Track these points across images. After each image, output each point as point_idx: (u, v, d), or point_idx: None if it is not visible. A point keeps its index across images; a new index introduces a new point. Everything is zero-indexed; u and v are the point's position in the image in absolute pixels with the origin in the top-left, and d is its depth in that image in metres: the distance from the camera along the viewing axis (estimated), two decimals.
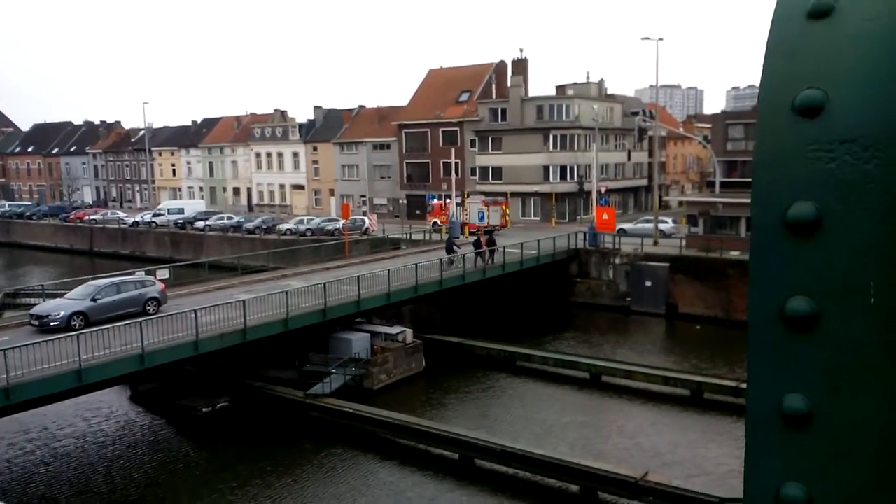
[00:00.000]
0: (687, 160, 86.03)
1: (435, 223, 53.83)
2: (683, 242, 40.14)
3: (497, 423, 24.01)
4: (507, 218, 55.13)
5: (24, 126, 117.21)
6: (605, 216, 42.62)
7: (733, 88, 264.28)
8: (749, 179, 1.09)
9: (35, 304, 26.47)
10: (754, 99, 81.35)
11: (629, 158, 65.04)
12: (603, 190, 56.17)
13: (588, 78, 69.30)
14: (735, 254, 35.97)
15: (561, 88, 69.46)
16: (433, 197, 61.19)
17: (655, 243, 42.77)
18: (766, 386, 1.08)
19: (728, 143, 60.54)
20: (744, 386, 2.48)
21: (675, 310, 37.67)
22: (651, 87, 64.19)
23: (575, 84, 69.22)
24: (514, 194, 62.82)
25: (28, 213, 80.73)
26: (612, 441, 22.60)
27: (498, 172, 64.42)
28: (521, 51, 69.73)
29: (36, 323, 23.51)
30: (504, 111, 64.34)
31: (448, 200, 57.88)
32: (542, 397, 27.14)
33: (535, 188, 62.38)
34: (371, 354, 27.78)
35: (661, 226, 52.72)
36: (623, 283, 39.87)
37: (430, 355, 29.83)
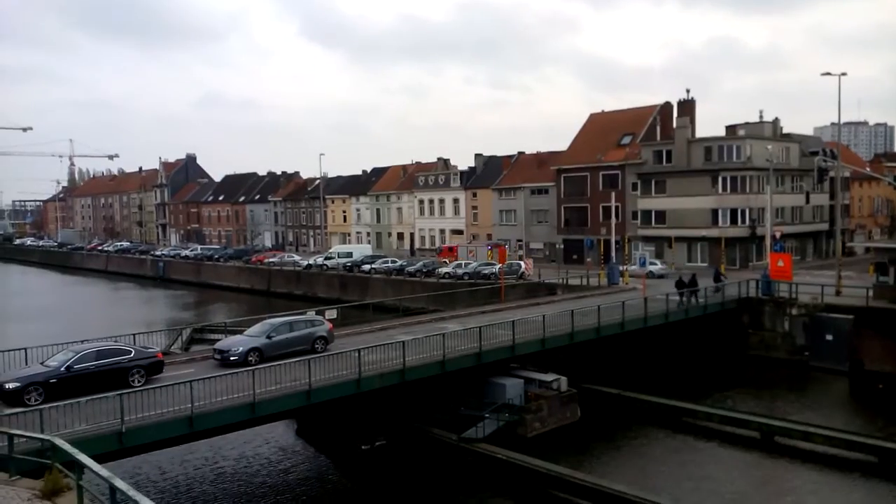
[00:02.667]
0: (874, 203, 78.60)
1: (444, 261, 63.39)
2: (870, 293, 36.42)
3: (658, 481, 22.71)
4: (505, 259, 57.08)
5: (217, 177, 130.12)
6: (780, 263, 39.77)
7: None
8: None
9: (218, 340, 28.81)
10: None
11: (808, 201, 60.35)
12: (778, 235, 52.43)
13: (761, 117, 65.77)
14: None
15: (731, 129, 66.40)
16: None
17: (838, 293, 39.22)
18: None
19: None
20: None
21: (861, 367, 34.09)
22: (833, 124, 59.74)
23: (747, 124, 65.92)
24: (678, 239, 60.40)
25: (216, 256, 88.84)
26: None
27: (661, 216, 62.34)
28: (688, 91, 67.20)
29: (218, 357, 25.55)
30: (669, 153, 62.45)
31: (456, 245, 72.05)
32: (707, 457, 25.42)
33: (703, 232, 59.58)
34: (525, 401, 27.48)
35: (651, 267, 50.13)
36: (800, 335, 36.77)
37: (585, 405, 28.99)
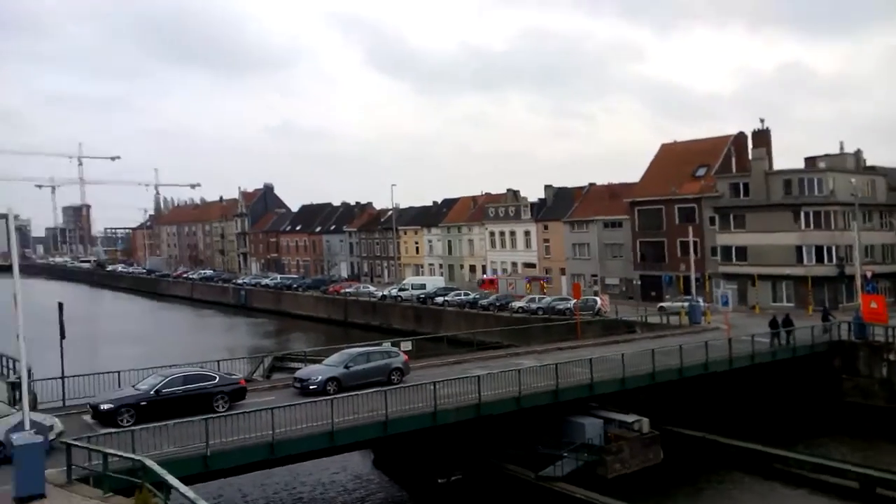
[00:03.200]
0: None
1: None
2: None
3: None
4: (545, 290, 66.20)
5: (293, 206, 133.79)
6: (873, 304, 37.71)
7: None
8: None
9: (298, 368, 29.31)
10: None
11: None
12: (869, 275, 49.91)
13: (842, 148, 63.09)
14: None
15: (811, 160, 63.91)
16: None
17: None
18: None
19: None
20: None
21: None
22: None
23: (827, 156, 63.32)
24: (762, 277, 58.19)
25: (295, 285, 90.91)
26: None
27: (742, 252, 60.24)
28: (762, 121, 65.20)
29: (298, 385, 25.99)
30: (746, 186, 60.43)
31: (497, 276, 76.20)
32: None
33: (787, 271, 57.19)
34: (605, 442, 26.75)
35: (679, 304, 47.66)
36: None
37: (668, 448, 27.96)
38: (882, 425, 33.06)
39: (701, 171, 66.26)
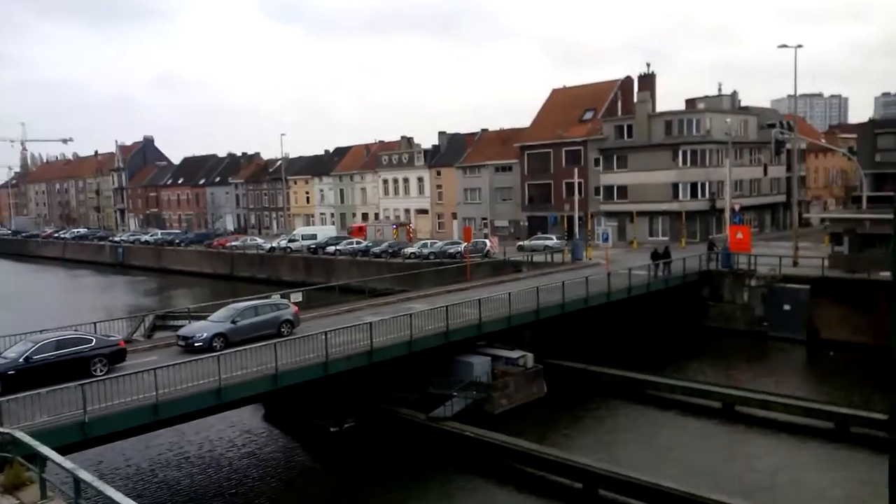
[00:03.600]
0: (830, 174, 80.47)
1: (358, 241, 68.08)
2: (826, 262, 37.42)
3: (622, 453, 23.23)
4: (411, 235, 72.12)
5: (175, 160, 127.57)
6: (739, 235, 40.52)
7: (883, 95, 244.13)
8: None
9: (181, 326, 28.45)
10: None
11: (765, 174, 61.63)
12: (737, 207, 53.35)
13: (720, 90, 66.66)
14: (885, 274, 33.05)
15: (691, 102, 67.17)
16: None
17: (795, 264, 40.19)
18: None
19: (877, 154, 56.02)
20: None
21: (817, 336, 35.14)
22: (789, 97, 60.87)
23: (706, 97, 66.70)
24: (640, 213, 61.20)
25: (177, 241, 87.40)
26: (747, 477, 21.25)
27: (623, 191, 63.03)
28: (648, 66, 68.43)
29: (182, 344, 25.26)
30: (630, 128, 62.94)
31: (364, 223, 78.21)
32: (670, 427, 26.05)
33: (664, 206, 60.44)
34: (492, 379, 27.77)
35: (546, 242, 53.01)
36: (759, 307, 37.69)
37: (551, 381, 29.41)
38: (742, 347, 36.08)
39: (588, 115, 68.21)
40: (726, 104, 65.86)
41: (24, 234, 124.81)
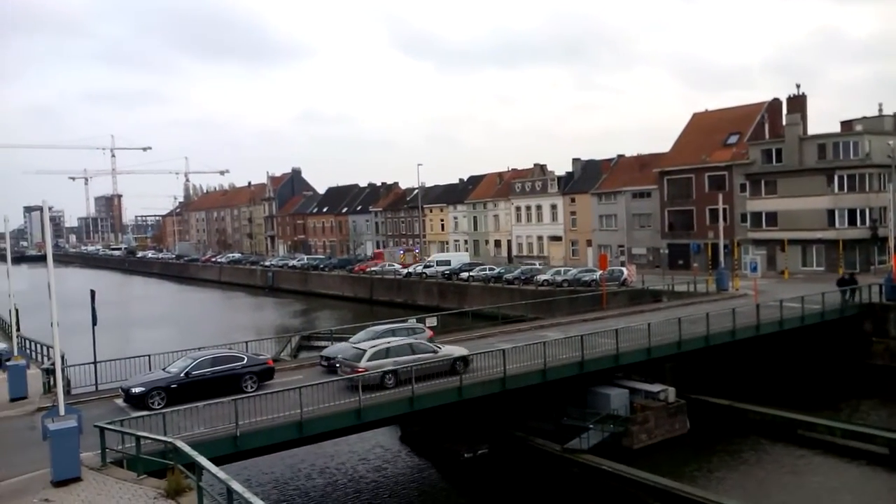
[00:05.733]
0: None
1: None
2: None
3: (772, 495, 21.57)
4: (416, 259, 77.86)
5: (320, 189, 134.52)
6: None
7: None
8: None
9: (325, 347, 29.71)
10: None
11: None
12: None
13: (880, 110, 61.56)
14: None
15: (846, 124, 62.46)
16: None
17: None
18: None
19: None
20: None
21: None
22: None
23: (864, 118, 61.82)
24: (792, 241, 57.35)
25: (321, 266, 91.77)
26: None
27: (773, 218, 59.36)
28: (798, 87, 63.84)
29: (325, 364, 26.36)
30: (779, 152, 59.41)
31: (381, 251, 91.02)
32: (827, 473, 23.92)
33: (819, 235, 56.29)
34: (630, 412, 26.78)
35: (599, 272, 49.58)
36: None
37: (694, 417, 27.93)
38: None
39: (732, 139, 65.32)
40: (888, 125, 60.63)
41: (185, 259, 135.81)
